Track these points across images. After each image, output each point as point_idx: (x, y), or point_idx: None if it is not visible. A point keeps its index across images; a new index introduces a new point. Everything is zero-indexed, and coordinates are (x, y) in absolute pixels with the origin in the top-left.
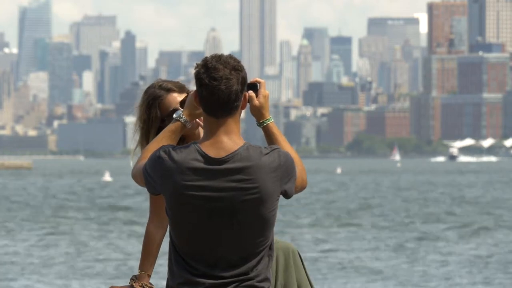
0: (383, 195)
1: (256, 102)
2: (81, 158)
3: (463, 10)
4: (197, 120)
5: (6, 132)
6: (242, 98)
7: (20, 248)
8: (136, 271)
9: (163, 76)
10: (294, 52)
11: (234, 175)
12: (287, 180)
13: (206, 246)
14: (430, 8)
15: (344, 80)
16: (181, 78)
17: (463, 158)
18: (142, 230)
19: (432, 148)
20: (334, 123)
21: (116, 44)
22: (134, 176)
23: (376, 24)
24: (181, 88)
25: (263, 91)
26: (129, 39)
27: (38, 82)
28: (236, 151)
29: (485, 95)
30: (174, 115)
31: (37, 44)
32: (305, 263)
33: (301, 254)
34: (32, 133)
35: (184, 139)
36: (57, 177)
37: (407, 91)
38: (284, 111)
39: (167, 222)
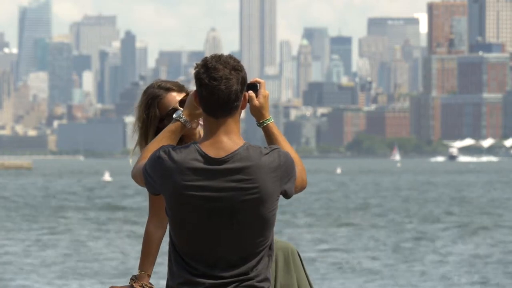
0: (382, 195)
1: (256, 102)
2: (81, 158)
3: (463, 10)
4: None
5: (6, 132)
6: (242, 98)
7: (19, 248)
8: (136, 271)
9: (163, 76)
10: (294, 52)
11: (234, 175)
12: (287, 180)
13: (206, 246)
14: (430, 8)
15: (344, 80)
16: (181, 78)
17: (463, 158)
18: (141, 230)
19: (432, 148)
20: (334, 123)
21: (116, 44)
22: (134, 176)
23: (376, 24)
24: (180, 88)
25: (263, 91)
26: (129, 39)
27: (38, 82)
28: (236, 151)
29: (485, 95)
30: (174, 115)
31: (37, 44)
32: (304, 263)
33: (300, 254)
34: (32, 133)
35: (184, 139)
36: (57, 177)
37: (407, 91)
38: (284, 111)
39: (167, 222)
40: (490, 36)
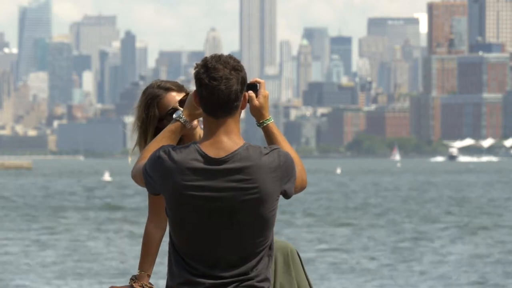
0: (382, 195)
1: (256, 102)
2: (81, 158)
3: (463, 10)
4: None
5: (6, 132)
6: (242, 98)
7: (19, 248)
8: (136, 271)
9: (163, 76)
10: (294, 52)
11: (233, 175)
12: (287, 180)
13: (206, 246)
14: (430, 8)
15: (344, 80)
16: (181, 78)
17: (463, 158)
18: (141, 230)
19: (432, 148)
20: (334, 123)
21: (116, 44)
22: (134, 176)
23: (376, 24)
24: (179, 88)
25: (263, 91)
26: (129, 39)
27: (38, 82)
28: (235, 151)
29: (485, 95)
30: (174, 115)
31: (37, 44)
32: (303, 263)
33: (299, 254)
34: (32, 133)
35: (183, 139)
36: (57, 177)
37: (407, 91)
38: (284, 111)
39: (166, 222)
40: (490, 36)
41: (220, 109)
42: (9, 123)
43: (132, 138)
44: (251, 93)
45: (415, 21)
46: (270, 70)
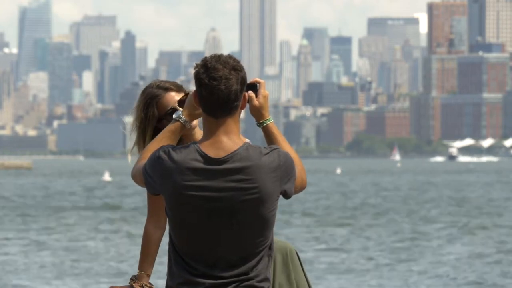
0: (382, 195)
1: (255, 102)
2: (81, 158)
3: (463, 10)
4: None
5: (6, 132)
6: (242, 98)
7: (18, 248)
8: (136, 271)
9: (163, 76)
10: (294, 52)
11: (233, 175)
12: (286, 180)
13: (206, 246)
14: (430, 8)
15: (344, 80)
16: (181, 78)
17: (463, 158)
18: (140, 230)
19: (432, 148)
20: (334, 123)
21: (116, 44)
22: (134, 177)
23: (376, 24)
24: (179, 88)
25: (262, 91)
26: (129, 39)
27: (38, 82)
28: (235, 151)
29: (485, 95)
30: (174, 115)
31: (37, 44)
32: (302, 263)
33: (298, 254)
34: (32, 133)
35: (183, 139)
36: (57, 177)
37: (407, 91)
38: (284, 111)
39: (166, 222)
40: (490, 36)
41: (220, 109)
42: (9, 123)
43: (130, 138)
44: (251, 93)
45: (415, 21)
46: (270, 70)
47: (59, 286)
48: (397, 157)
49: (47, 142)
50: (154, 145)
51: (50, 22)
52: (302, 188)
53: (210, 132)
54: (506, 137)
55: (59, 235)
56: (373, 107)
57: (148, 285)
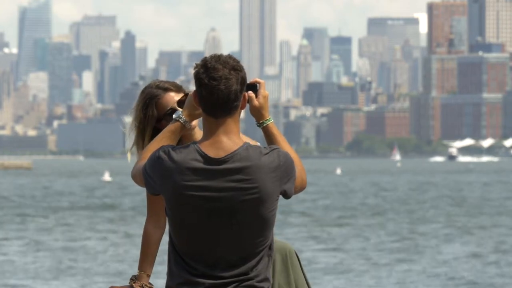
0: (381, 195)
1: (255, 102)
2: (81, 158)
3: (463, 10)
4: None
5: (6, 132)
6: (242, 98)
7: (18, 248)
8: (136, 271)
9: (163, 76)
10: (294, 52)
11: (233, 175)
12: (286, 180)
13: (206, 246)
14: (430, 8)
15: (344, 80)
16: (181, 78)
17: (463, 158)
18: (140, 230)
19: (432, 148)
20: (333, 123)
21: (116, 44)
22: (134, 177)
23: (376, 24)
24: (178, 88)
25: (262, 91)
26: (129, 39)
27: (38, 82)
28: (235, 151)
29: (485, 95)
30: (174, 115)
31: (37, 44)
32: (302, 263)
33: (298, 254)
34: (32, 133)
35: (182, 140)
36: (57, 177)
37: (407, 91)
38: (284, 111)
39: (165, 222)
40: (490, 36)
41: (220, 109)
42: (9, 123)
43: (129, 137)
44: (250, 93)
45: (415, 21)
46: (270, 70)
47: (58, 286)
48: (397, 157)
49: (47, 142)
50: (154, 145)
51: (50, 22)
52: (302, 188)
53: (210, 132)
54: (506, 137)
55: (59, 235)
56: (373, 107)
57: (148, 285)
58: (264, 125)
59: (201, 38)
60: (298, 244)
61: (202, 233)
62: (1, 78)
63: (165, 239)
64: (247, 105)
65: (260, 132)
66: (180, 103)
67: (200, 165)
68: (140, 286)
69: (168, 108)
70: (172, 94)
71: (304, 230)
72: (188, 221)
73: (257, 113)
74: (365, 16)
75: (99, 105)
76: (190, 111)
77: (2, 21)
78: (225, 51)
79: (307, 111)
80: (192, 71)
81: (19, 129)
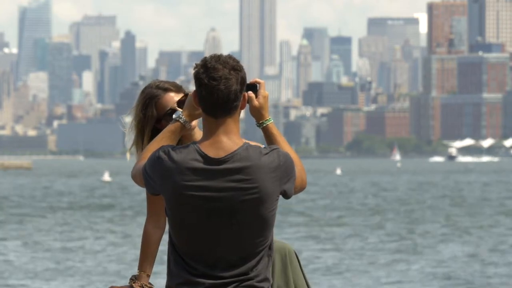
0: (381, 195)
1: (255, 102)
2: (81, 158)
3: (463, 10)
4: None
5: (6, 132)
6: (242, 98)
7: (17, 248)
8: (135, 271)
9: (163, 76)
10: (294, 52)
11: (233, 175)
12: (286, 180)
13: (206, 246)
14: (430, 8)
15: (344, 80)
16: (181, 78)
17: (463, 158)
18: (140, 230)
19: (432, 148)
20: (333, 123)
21: (116, 44)
22: (134, 177)
23: (376, 24)
24: (178, 88)
25: (262, 91)
26: (129, 39)
27: (38, 82)
28: (235, 151)
29: (485, 95)
30: (174, 115)
31: (37, 44)
32: (301, 263)
33: (298, 254)
34: (32, 133)
35: (182, 140)
36: (57, 177)
37: (407, 91)
38: (284, 111)
39: (165, 222)
40: (490, 36)
41: (220, 109)
42: (9, 123)
43: (128, 137)
44: (250, 93)
45: (415, 21)
46: (270, 70)
47: (58, 286)
48: (397, 157)
49: (47, 142)
50: (154, 145)
51: (50, 22)
52: (302, 188)
53: (210, 132)
54: (506, 137)
55: (58, 235)
56: (373, 107)
57: (148, 285)
58: (264, 125)
59: (201, 38)
60: (297, 244)
61: (202, 233)
62: (1, 78)
63: (165, 239)
64: (247, 105)
65: (260, 132)
66: (180, 103)
67: (200, 165)
68: (140, 286)
69: (168, 108)
70: (172, 94)
71: (304, 230)
72: (188, 221)
73: (257, 113)
74: (365, 16)
75: (99, 105)
76: (190, 111)
77: (2, 21)
78: (225, 51)
79: (307, 111)
80: (192, 71)
81: (19, 129)
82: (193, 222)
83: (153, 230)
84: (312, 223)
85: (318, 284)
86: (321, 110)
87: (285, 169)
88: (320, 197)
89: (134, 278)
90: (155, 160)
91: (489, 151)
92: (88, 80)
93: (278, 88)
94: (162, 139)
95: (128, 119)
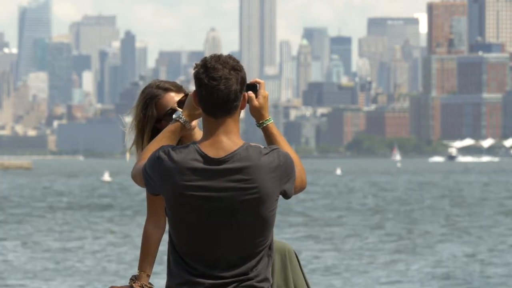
0: (380, 195)
1: (255, 102)
2: (81, 158)
3: (463, 10)
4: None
5: (6, 132)
6: (241, 98)
7: (17, 248)
8: (135, 271)
9: (163, 76)
10: (294, 52)
11: (233, 175)
12: (286, 180)
13: (206, 246)
14: (430, 8)
15: (344, 80)
16: (180, 78)
17: (462, 158)
18: (140, 230)
19: (431, 148)
20: (333, 123)
21: (116, 44)
22: (134, 177)
23: (376, 24)
24: (178, 88)
25: (262, 91)
26: (129, 39)
27: (37, 82)
28: (235, 151)
29: (485, 95)
30: (174, 116)
31: (37, 44)
32: (301, 263)
33: (297, 255)
34: (31, 133)
35: (182, 140)
36: (57, 177)
37: (406, 91)
38: (284, 111)
39: (165, 222)
40: (490, 36)
41: (220, 109)
42: (9, 123)
43: (128, 136)
44: (250, 93)
45: (415, 21)
46: (270, 70)
47: (58, 286)
48: (397, 157)
49: (47, 142)
50: (154, 145)
51: (50, 22)
52: (301, 188)
53: (209, 132)
54: (506, 137)
55: (58, 235)
56: (373, 107)
57: (148, 285)
58: (264, 125)
59: (201, 38)
60: (297, 244)
61: (202, 233)
62: (1, 78)
63: (165, 239)
64: (247, 105)
65: (260, 132)
66: (180, 103)
67: (200, 165)
68: (140, 286)
69: (168, 108)
70: (172, 94)
71: (303, 230)
72: (188, 221)
73: (257, 113)
74: (365, 16)
75: (99, 105)
76: (190, 111)
77: (2, 21)
78: (225, 51)
79: (307, 111)
80: (192, 71)
81: (19, 129)
82: (193, 222)
83: (153, 230)
84: (312, 223)
85: (317, 284)
86: (321, 110)
87: (285, 169)
88: (320, 197)
89: (134, 278)
90: (155, 160)
91: (489, 151)
92: (88, 80)
93: (278, 88)
94: (162, 139)
95: (128, 119)
